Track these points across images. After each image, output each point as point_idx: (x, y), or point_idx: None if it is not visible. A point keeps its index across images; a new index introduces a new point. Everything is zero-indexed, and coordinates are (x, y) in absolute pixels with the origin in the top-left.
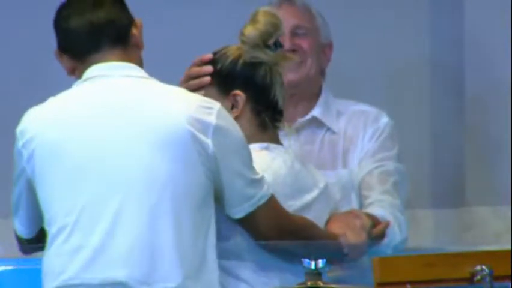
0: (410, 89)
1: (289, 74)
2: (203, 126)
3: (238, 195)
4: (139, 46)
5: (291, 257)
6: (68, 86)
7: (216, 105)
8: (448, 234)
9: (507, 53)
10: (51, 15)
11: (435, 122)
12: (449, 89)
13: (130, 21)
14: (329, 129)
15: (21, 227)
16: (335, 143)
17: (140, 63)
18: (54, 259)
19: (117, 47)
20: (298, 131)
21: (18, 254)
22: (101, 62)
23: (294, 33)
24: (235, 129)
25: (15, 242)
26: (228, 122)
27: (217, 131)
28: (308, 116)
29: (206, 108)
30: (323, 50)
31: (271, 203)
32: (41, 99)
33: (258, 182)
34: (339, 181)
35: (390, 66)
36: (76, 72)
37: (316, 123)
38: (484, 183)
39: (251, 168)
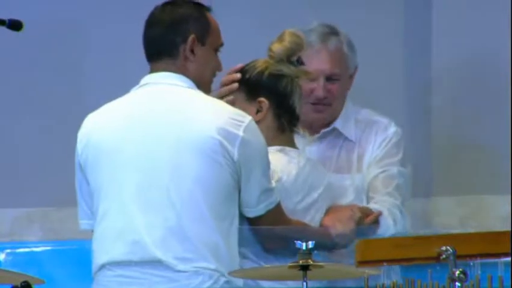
0: (385, 100)
1: (316, 114)
2: (231, 137)
3: (253, 199)
4: (187, 59)
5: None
6: None
7: (247, 119)
8: (419, 220)
9: (471, 63)
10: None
11: (408, 130)
12: (419, 99)
13: (183, 38)
14: (346, 138)
15: (82, 220)
16: (351, 150)
17: (193, 74)
18: (102, 240)
19: (165, 59)
20: (320, 139)
21: (54, 236)
22: (155, 71)
23: (327, 79)
24: (259, 142)
25: (52, 227)
26: (254, 135)
27: (243, 144)
28: (330, 127)
29: (236, 121)
30: (351, 76)
31: (278, 208)
32: None
33: (271, 190)
34: (353, 183)
35: (373, 80)
36: None
37: (337, 133)
38: (449, 177)
39: (268, 178)
